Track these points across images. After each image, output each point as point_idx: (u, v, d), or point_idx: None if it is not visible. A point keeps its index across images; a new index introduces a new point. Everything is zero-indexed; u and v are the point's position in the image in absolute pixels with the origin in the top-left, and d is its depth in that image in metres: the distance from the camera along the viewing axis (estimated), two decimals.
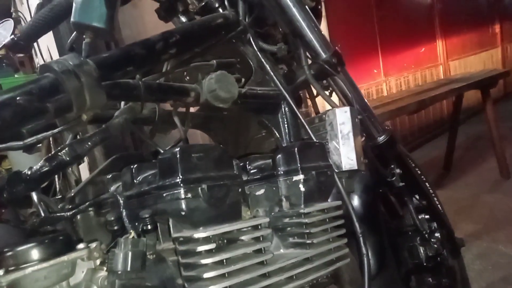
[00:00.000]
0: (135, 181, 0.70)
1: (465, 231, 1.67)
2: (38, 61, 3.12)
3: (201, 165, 0.61)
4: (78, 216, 0.77)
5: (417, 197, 1.46)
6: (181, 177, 0.59)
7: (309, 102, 1.45)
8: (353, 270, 1.00)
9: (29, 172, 0.71)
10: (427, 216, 1.45)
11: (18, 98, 0.63)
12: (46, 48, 2.87)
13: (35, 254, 0.52)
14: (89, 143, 0.76)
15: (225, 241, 0.61)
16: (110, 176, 0.80)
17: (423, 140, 5.25)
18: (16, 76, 3.33)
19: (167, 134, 1.24)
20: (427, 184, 1.50)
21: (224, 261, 0.59)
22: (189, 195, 0.58)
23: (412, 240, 1.39)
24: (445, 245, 1.43)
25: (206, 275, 0.57)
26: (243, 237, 0.63)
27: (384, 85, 4.78)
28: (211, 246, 0.58)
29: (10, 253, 0.51)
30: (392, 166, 1.38)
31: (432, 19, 5.90)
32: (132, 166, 0.72)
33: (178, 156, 0.59)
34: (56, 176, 1.09)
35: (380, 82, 4.79)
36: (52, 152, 0.74)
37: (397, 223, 1.44)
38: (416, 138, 5.18)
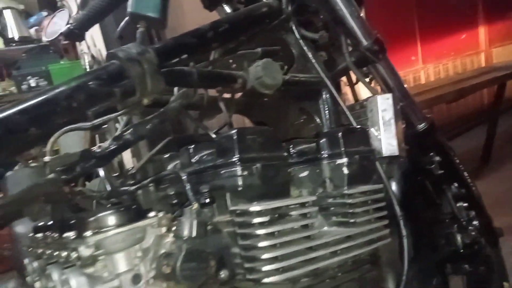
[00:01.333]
0: (192, 160, 0.77)
1: (501, 224, 1.64)
2: (82, 48, 3.28)
3: (255, 146, 0.67)
4: (140, 191, 0.85)
5: (456, 185, 1.46)
6: (238, 156, 0.65)
7: (345, 90, 1.47)
8: (391, 252, 1.04)
9: (98, 150, 0.80)
10: (465, 204, 1.44)
11: (90, 83, 0.71)
12: (90, 36, 3.01)
13: (115, 219, 0.59)
14: (150, 125, 0.83)
15: (276, 215, 0.66)
16: (168, 155, 0.88)
17: (461, 130, 5.08)
18: (61, 62, 3.50)
19: (212, 119, 1.31)
20: (465, 173, 1.50)
21: (276, 233, 0.65)
22: (245, 173, 0.65)
23: (449, 227, 1.40)
24: (483, 234, 1.43)
25: (260, 244, 0.63)
26: (292, 213, 0.69)
27: (422, 72, 4.65)
28: (265, 219, 0.64)
29: (94, 218, 0.59)
30: (431, 154, 1.39)
31: (474, 4, 5.62)
32: (189, 147, 0.79)
33: (235, 137, 0.65)
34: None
35: (418, 69, 4.66)
36: (117, 133, 0.82)
37: (434, 211, 1.45)
38: (454, 128, 5.02)
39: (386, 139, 1.01)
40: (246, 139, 0.66)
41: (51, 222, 0.83)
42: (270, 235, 0.65)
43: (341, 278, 0.74)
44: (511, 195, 3.20)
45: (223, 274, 0.68)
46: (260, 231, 0.64)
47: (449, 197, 1.40)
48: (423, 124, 1.32)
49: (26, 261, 0.86)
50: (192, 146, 0.77)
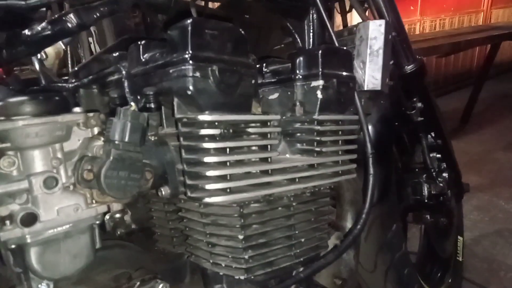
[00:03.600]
0: (142, 58, 0.64)
1: (470, 183, 1.64)
2: None
3: (215, 44, 0.55)
4: (81, 91, 0.73)
5: (433, 135, 1.41)
6: (190, 52, 0.53)
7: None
8: (355, 192, 0.98)
9: (29, 33, 0.66)
10: (438, 156, 1.41)
11: None
12: None
13: (27, 107, 0.48)
14: (97, 13, 0.69)
15: (231, 130, 0.57)
16: (117, 54, 0.74)
17: (446, 90, 5.03)
18: None
19: None
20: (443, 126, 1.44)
21: (227, 149, 0.56)
22: (198, 74, 0.53)
23: (418, 176, 1.36)
24: (450, 187, 1.41)
25: (206, 159, 0.54)
26: (250, 130, 0.59)
27: (418, 24, 4.45)
28: (216, 131, 0.54)
29: (3, 103, 0.48)
30: (414, 99, 1.31)
31: None
32: (140, 42, 0.65)
33: (189, 28, 0.53)
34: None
35: (414, 21, 4.45)
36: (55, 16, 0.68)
37: (406, 159, 1.41)
38: (440, 87, 4.96)
39: (371, 71, 0.90)
40: (204, 34, 0.54)
41: None
42: (221, 151, 0.55)
43: (296, 208, 0.67)
44: (483, 156, 3.25)
45: (164, 191, 0.60)
46: (209, 145, 0.54)
47: (424, 146, 1.35)
48: (412, 65, 1.22)
49: None
50: (143, 42, 0.64)
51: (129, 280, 0.61)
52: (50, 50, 0.97)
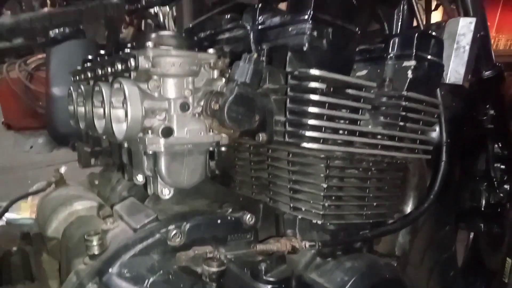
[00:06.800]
0: (258, 19, 0.73)
1: None
2: None
3: (332, 9, 0.62)
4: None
5: (500, 145, 1.39)
6: (312, 13, 0.60)
7: None
8: (420, 178, 1.02)
9: None
10: (502, 166, 1.39)
11: None
12: None
13: (176, 41, 0.58)
14: None
15: (332, 88, 0.64)
16: (229, 16, 0.84)
17: None
18: None
19: None
20: None
21: (327, 104, 0.63)
22: (315, 33, 0.61)
23: (478, 183, 1.36)
24: (510, 200, 1.39)
25: (310, 110, 0.61)
26: (349, 91, 0.66)
27: (493, 41, 4.27)
28: (322, 85, 0.62)
29: (157, 34, 0.58)
30: (488, 105, 1.31)
31: None
32: (256, 6, 0.74)
33: None
34: None
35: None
36: None
37: (468, 163, 1.41)
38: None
39: (455, 65, 0.94)
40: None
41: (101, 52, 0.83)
42: (321, 105, 0.63)
43: (373, 173, 0.73)
44: None
45: (262, 136, 0.68)
46: (314, 97, 0.62)
47: (489, 154, 1.35)
48: (491, 70, 1.23)
49: (70, 90, 0.89)
50: (259, 5, 0.73)
51: (221, 208, 0.70)
52: None
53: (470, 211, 1.38)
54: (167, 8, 1.56)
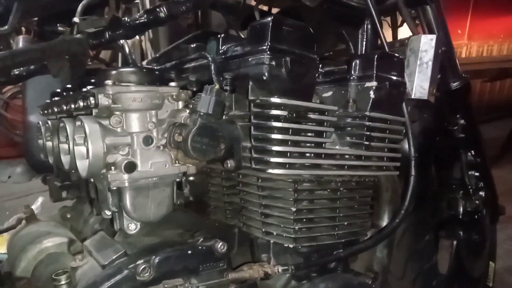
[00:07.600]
0: (220, 48, 0.74)
1: (506, 212, 1.63)
2: None
3: (289, 38, 0.64)
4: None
5: (473, 153, 1.43)
6: (269, 44, 0.62)
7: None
8: (393, 192, 1.04)
9: (128, 20, 0.78)
10: (476, 174, 1.42)
11: None
12: None
13: (136, 76, 0.59)
14: (183, 7, 0.80)
15: (294, 114, 0.65)
16: (194, 45, 0.86)
17: (488, 118, 4.91)
18: None
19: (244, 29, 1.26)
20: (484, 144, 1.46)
21: (290, 130, 0.64)
22: (273, 63, 0.62)
23: (454, 192, 1.39)
24: (486, 206, 1.42)
25: (274, 136, 0.63)
26: (311, 116, 0.67)
27: (465, 48, 4.40)
28: (283, 113, 0.63)
29: (117, 71, 0.59)
30: (457, 115, 1.35)
31: None
32: (219, 35, 0.76)
33: (270, 24, 0.62)
34: None
35: (461, 44, 4.41)
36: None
37: (443, 174, 1.44)
38: (482, 114, 4.85)
39: (419, 81, 0.97)
40: (282, 29, 0.63)
41: (68, 86, 0.83)
42: (284, 131, 0.64)
43: (342, 193, 0.74)
44: None
45: (230, 163, 0.69)
46: (276, 124, 0.63)
47: (463, 163, 1.38)
48: (458, 82, 1.27)
49: (39, 124, 0.88)
50: (222, 35, 0.75)
51: (192, 237, 0.70)
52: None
53: (449, 220, 1.40)
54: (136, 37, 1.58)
